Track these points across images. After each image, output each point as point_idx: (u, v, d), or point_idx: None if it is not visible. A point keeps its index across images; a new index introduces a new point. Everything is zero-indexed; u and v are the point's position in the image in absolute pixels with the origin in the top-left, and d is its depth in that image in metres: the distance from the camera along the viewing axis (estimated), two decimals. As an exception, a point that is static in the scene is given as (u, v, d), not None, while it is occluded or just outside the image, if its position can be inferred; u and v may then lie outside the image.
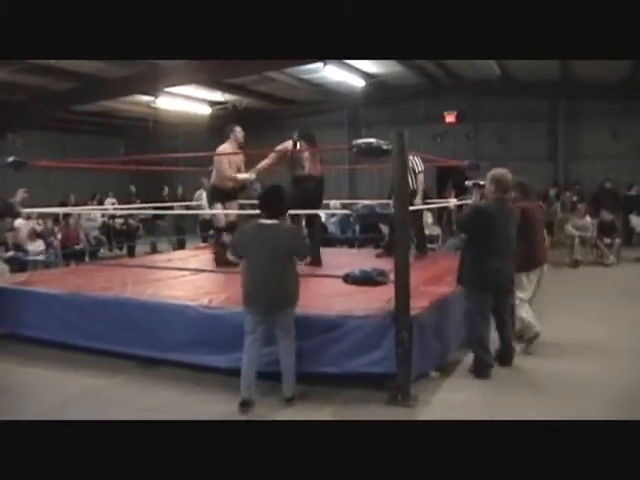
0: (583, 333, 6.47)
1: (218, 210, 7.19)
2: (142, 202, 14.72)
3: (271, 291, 4.40)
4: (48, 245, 11.22)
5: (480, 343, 5.11)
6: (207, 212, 7.06)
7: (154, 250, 13.45)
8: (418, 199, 7.54)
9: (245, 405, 4.35)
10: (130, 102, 15.67)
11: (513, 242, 5.24)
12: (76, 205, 14.26)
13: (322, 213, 9.48)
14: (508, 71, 14.28)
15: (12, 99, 13.56)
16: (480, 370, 5.12)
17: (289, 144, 7.23)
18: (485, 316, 5.15)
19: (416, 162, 7.58)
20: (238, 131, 7.19)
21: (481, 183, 5.65)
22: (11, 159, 6.46)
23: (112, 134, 19.89)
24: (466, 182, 6.08)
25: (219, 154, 7.03)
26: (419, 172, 7.63)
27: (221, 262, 7.08)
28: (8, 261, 8.86)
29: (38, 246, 10.65)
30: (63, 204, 14.31)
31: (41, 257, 10.32)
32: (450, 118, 16.85)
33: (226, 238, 7.10)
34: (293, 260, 4.62)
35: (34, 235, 10.71)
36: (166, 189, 15.80)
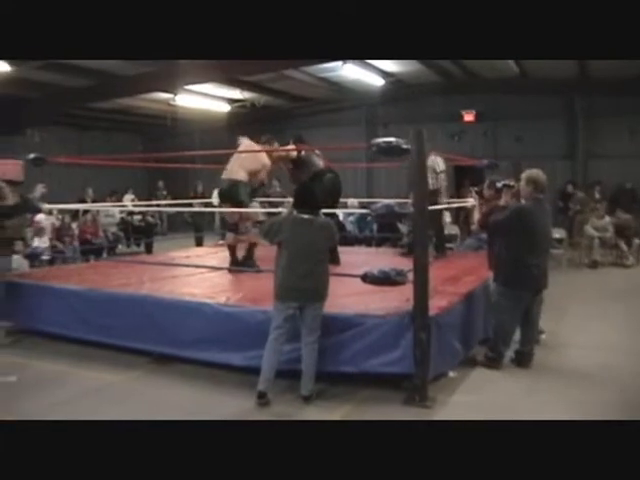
0: (602, 335, 6.40)
1: (254, 207, 7.13)
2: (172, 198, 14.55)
3: (307, 284, 4.48)
4: (65, 241, 11.27)
5: (505, 339, 5.26)
6: (239, 210, 6.91)
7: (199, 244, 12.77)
8: (443, 199, 7.50)
9: (262, 397, 4.39)
10: (148, 99, 15.70)
11: (549, 240, 5.50)
12: (94, 201, 14.30)
13: (340, 212, 9.45)
14: (526, 69, 14.15)
15: (30, 96, 13.65)
16: (492, 362, 5.25)
17: (291, 147, 7.23)
18: (516, 314, 5.25)
19: (437, 162, 7.54)
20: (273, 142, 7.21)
21: (511, 184, 5.61)
22: (32, 156, 6.52)
23: (129, 131, 19.98)
24: (497, 183, 6.01)
25: (262, 150, 6.94)
26: (440, 172, 7.57)
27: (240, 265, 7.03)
28: (28, 256, 8.91)
29: (44, 242, 10.64)
30: (82, 201, 14.34)
31: (46, 254, 10.15)
32: (469, 117, 16.70)
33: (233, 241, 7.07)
34: (327, 255, 4.72)
35: (41, 231, 10.70)
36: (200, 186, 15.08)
